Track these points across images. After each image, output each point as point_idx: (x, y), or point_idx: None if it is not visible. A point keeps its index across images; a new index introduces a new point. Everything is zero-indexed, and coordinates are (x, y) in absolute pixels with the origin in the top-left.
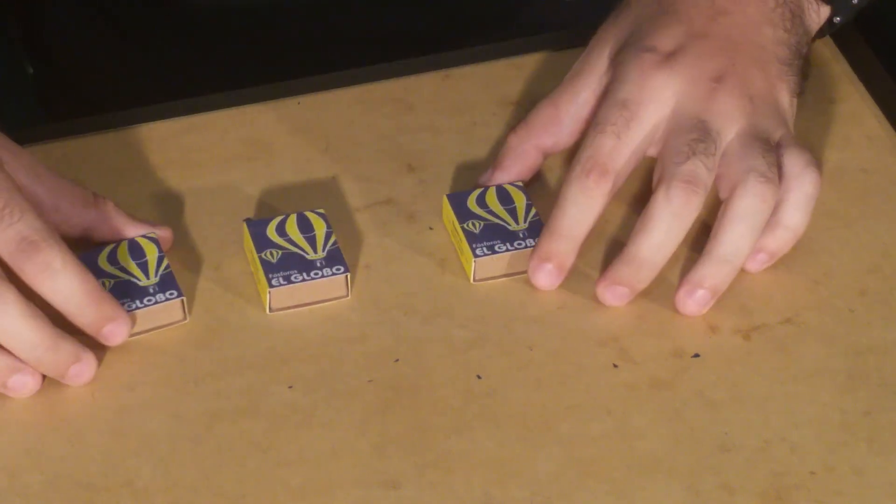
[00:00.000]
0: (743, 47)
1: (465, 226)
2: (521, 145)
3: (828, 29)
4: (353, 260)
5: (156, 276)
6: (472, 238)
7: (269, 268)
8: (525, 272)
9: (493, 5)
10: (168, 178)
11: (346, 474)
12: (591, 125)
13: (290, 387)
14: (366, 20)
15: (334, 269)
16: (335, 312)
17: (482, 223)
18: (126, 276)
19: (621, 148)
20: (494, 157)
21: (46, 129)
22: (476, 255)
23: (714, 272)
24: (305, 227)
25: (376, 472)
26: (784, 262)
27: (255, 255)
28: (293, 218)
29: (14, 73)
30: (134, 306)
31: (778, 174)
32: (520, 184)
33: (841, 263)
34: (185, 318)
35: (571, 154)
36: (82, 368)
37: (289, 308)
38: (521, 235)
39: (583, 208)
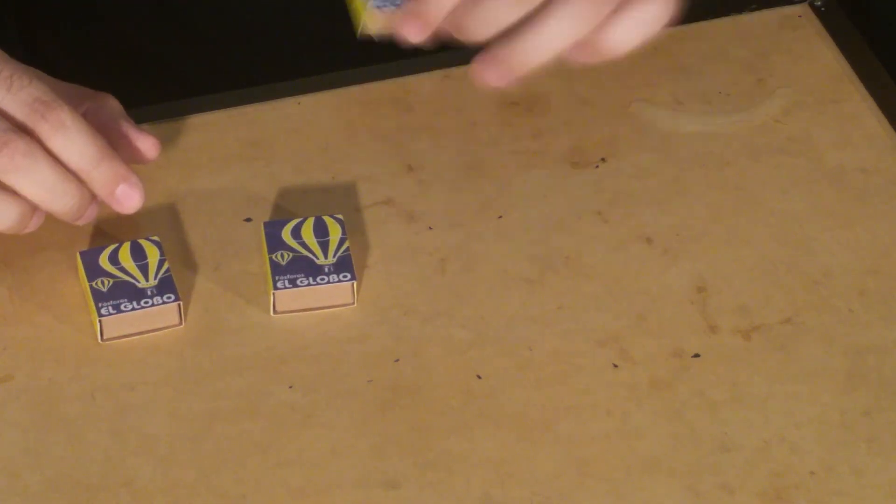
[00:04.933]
0: None
1: (272, 257)
2: None
3: None
4: (352, 260)
5: (155, 278)
6: (276, 270)
7: (277, 270)
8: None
9: None
10: (168, 178)
11: (346, 474)
12: None
13: (290, 387)
14: None
15: (341, 276)
16: (335, 312)
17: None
18: (125, 277)
19: None
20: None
21: None
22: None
23: (524, 48)
24: (321, 230)
25: (376, 472)
26: (784, 262)
27: (267, 257)
28: (310, 221)
29: None
30: (130, 307)
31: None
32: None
33: (841, 263)
34: (180, 323)
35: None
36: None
37: (294, 311)
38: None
39: None
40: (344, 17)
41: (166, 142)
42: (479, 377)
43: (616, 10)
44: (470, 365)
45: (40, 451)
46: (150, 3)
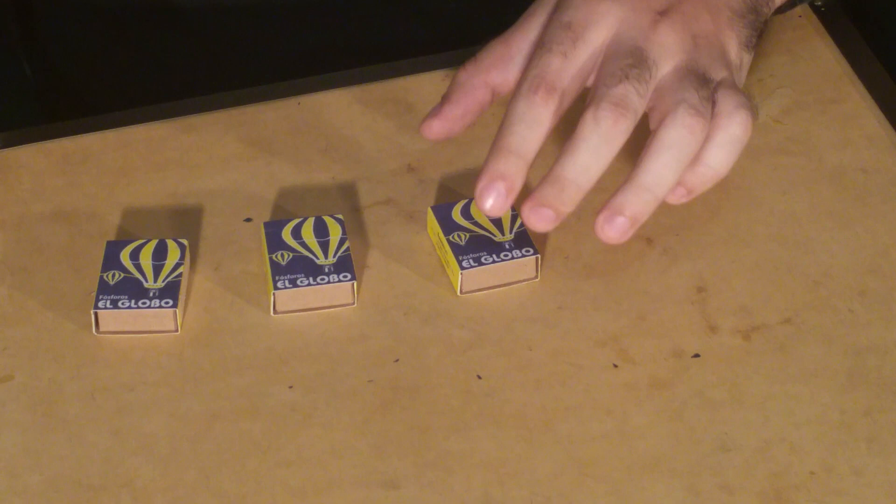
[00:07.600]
0: None
1: (450, 238)
2: (470, 80)
3: None
4: (353, 260)
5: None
6: (276, 270)
7: (277, 270)
8: (512, 283)
9: (490, 17)
10: (167, 178)
11: (345, 474)
12: (537, 46)
13: (290, 387)
14: (365, 28)
15: (341, 276)
16: (335, 312)
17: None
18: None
19: (568, 67)
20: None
21: (46, 129)
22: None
23: (635, 200)
24: (321, 230)
25: (376, 472)
26: (784, 262)
27: (267, 257)
28: (310, 221)
29: (13, 73)
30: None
31: (711, 112)
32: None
33: (841, 263)
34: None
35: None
36: None
37: (294, 311)
38: (506, 247)
39: (531, 125)
40: (344, 18)
41: (166, 142)
42: (479, 377)
43: (705, 139)
44: (470, 365)
45: (40, 451)
46: (151, 4)
